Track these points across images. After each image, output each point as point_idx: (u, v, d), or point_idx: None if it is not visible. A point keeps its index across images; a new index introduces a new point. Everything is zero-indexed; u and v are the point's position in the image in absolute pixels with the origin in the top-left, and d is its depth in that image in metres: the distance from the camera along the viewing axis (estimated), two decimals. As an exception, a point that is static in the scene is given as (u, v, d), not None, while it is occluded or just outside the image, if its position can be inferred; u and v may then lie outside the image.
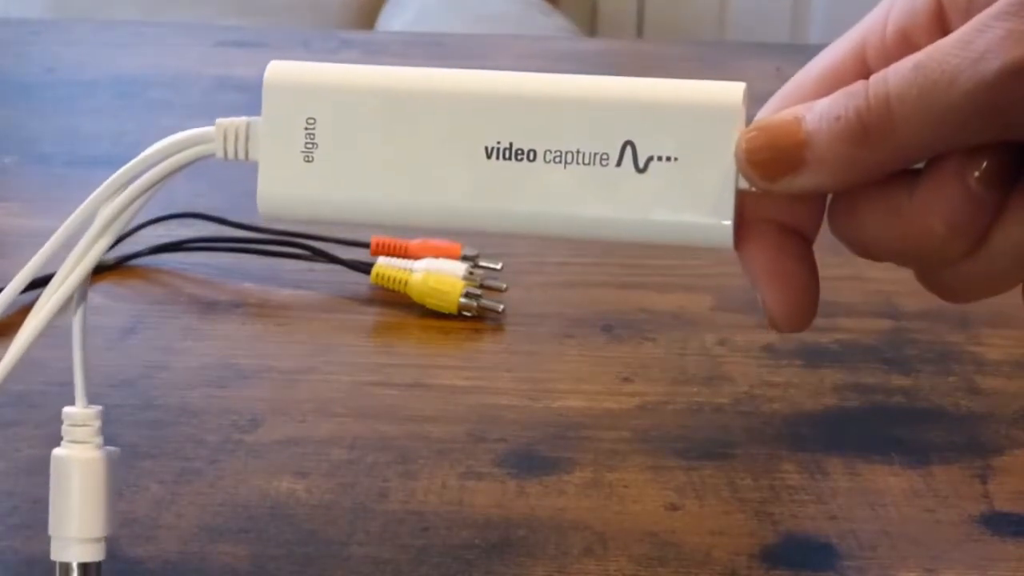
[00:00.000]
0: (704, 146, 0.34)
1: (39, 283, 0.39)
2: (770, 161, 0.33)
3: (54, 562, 0.40)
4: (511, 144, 0.35)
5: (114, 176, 0.38)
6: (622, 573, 0.44)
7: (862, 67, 0.35)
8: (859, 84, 0.33)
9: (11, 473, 0.48)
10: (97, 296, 0.61)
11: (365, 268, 0.62)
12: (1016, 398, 0.55)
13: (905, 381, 0.56)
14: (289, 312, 0.61)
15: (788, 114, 0.34)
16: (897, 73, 0.32)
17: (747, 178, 0.34)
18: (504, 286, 0.62)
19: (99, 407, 0.40)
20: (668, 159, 0.35)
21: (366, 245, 0.64)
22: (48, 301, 0.39)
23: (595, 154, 0.35)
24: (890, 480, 0.49)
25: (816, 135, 0.33)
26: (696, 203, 0.35)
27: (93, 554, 0.40)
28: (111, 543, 0.42)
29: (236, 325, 0.59)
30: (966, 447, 0.51)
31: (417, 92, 0.36)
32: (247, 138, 0.37)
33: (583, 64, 1.01)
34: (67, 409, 0.40)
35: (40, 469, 0.48)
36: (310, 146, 0.36)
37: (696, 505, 0.47)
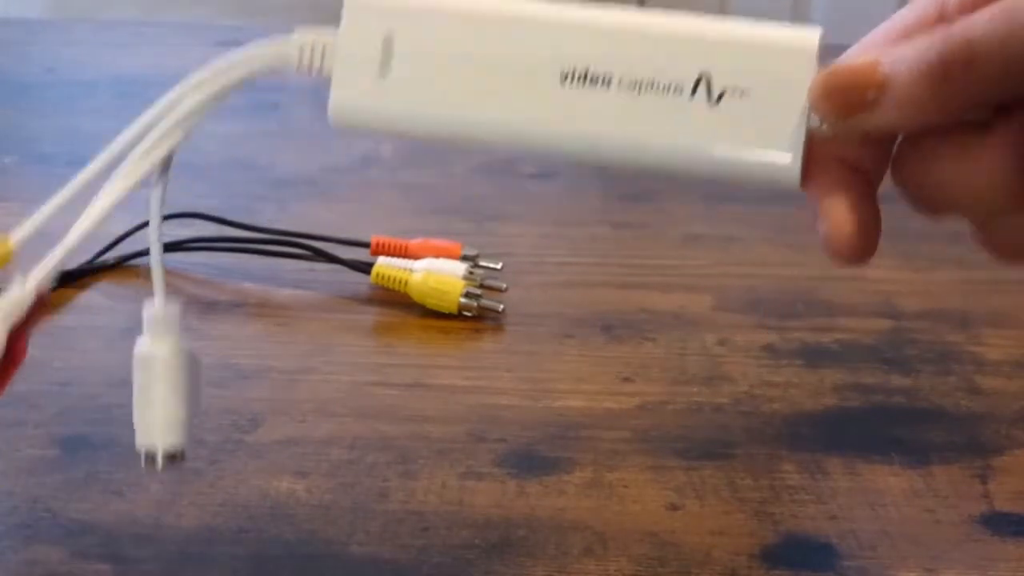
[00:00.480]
0: (778, 84, 0.35)
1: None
2: (846, 99, 0.34)
3: (139, 451, 0.41)
4: (587, 70, 0.36)
5: (194, 77, 0.39)
6: (622, 573, 0.44)
7: (942, 22, 0.36)
8: (940, 27, 0.33)
9: (11, 473, 0.48)
10: (97, 296, 0.61)
11: (365, 268, 0.62)
12: (1016, 398, 0.55)
13: (905, 381, 0.56)
14: (289, 312, 0.61)
15: (866, 56, 0.34)
16: (981, 16, 0.32)
17: (821, 115, 0.34)
18: (504, 286, 0.62)
19: (179, 302, 0.41)
20: (741, 94, 0.35)
21: (366, 245, 0.64)
22: (129, 169, 0.38)
23: (669, 84, 0.35)
24: (890, 480, 0.49)
25: (894, 75, 0.33)
26: (766, 139, 0.35)
27: (176, 439, 0.41)
28: (111, 543, 0.43)
29: (236, 325, 0.59)
30: (966, 447, 0.51)
31: (495, 14, 0.36)
32: (323, 54, 0.38)
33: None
34: (148, 307, 0.41)
35: (40, 469, 0.48)
36: (386, 62, 0.37)
37: (696, 505, 0.47)
